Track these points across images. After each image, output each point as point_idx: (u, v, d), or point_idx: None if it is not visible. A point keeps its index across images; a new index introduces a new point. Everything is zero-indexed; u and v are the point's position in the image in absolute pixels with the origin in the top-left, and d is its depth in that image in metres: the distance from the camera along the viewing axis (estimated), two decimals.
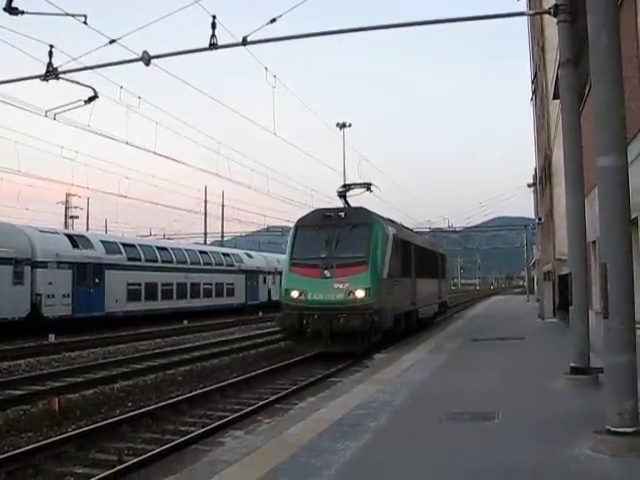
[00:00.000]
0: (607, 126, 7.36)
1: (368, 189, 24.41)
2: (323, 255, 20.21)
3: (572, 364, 11.84)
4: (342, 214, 21.50)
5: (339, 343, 19.51)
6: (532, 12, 27.16)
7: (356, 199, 23.74)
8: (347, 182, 28.77)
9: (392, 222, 25.01)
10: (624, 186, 7.28)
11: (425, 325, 28.56)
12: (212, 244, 65.94)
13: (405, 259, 23.75)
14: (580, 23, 10.27)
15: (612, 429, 6.82)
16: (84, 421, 11.52)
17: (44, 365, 19.31)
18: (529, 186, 45.74)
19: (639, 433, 6.79)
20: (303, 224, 21.60)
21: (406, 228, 30.93)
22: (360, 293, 19.70)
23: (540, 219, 37.39)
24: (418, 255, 26.79)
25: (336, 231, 20.66)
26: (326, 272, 19.98)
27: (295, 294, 20.24)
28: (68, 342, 24.89)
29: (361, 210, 21.93)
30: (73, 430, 10.59)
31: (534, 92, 40.83)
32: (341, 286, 19.81)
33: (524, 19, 38.51)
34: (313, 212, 22.66)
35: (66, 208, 67.28)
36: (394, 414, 9.31)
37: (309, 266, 20.37)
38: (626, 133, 7.75)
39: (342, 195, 23.52)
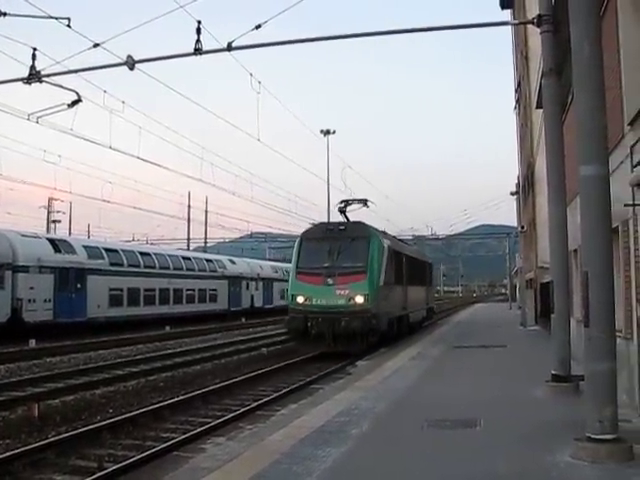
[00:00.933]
0: (589, 135, 7.43)
1: (365, 204, 26.42)
2: (326, 264, 22.25)
3: (553, 372, 11.91)
4: (342, 228, 23.75)
5: (340, 344, 21.34)
6: (516, 22, 27.38)
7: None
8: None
9: (386, 235, 27.39)
10: (605, 195, 7.35)
11: (415, 329, 30.42)
12: (195, 250, 65.69)
13: (398, 268, 25.70)
14: (563, 33, 10.37)
15: (592, 436, 6.86)
16: (64, 427, 11.39)
17: (24, 371, 19.10)
18: (512, 194, 45.97)
19: (618, 440, 6.84)
20: (308, 236, 23.91)
21: (399, 239, 33.66)
22: (359, 299, 21.70)
23: (523, 227, 37.63)
24: (409, 264, 28.84)
25: (337, 243, 22.70)
26: (329, 280, 22.05)
27: (301, 299, 22.34)
28: (49, 347, 24.64)
29: (359, 224, 24.18)
30: (53, 436, 10.47)
31: (518, 101, 41.14)
32: (342, 292, 21.88)
33: (508, 28, 38.84)
34: (316, 226, 25.41)
35: (48, 212, 66.79)
36: (376, 421, 9.31)
37: (313, 274, 22.39)
38: (607, 143, 7.83)
39: (342, 210, 25.59)
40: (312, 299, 22.13)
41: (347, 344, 21.32)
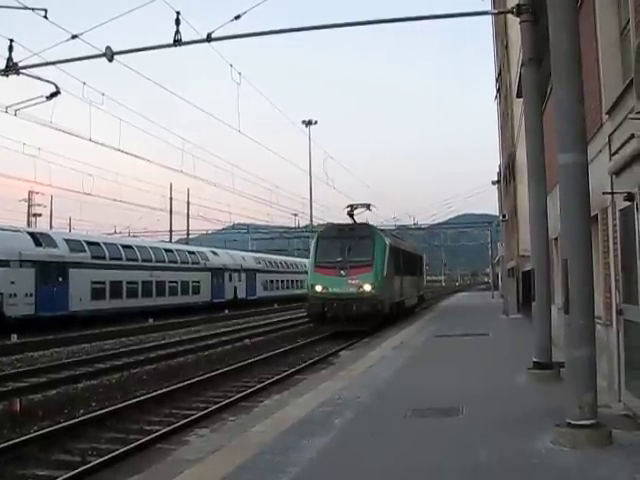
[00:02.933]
0: (568, 124, 7.48)
1: (368, 208, 32.14)
2: (339, 259, 27.14)
3: (535, 359, 12.00)
4: (352, 228, 28.93)
5: (352, 324, 25.68)
6: (495, 11, 27.43)
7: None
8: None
9: (387, 233, 33.48)
10: (584, 183, 7.40)
11: (409, 312, 35.65)
12: (178, 242, 65.45)
13: (396, 261, 30.60)
14: (542, 23, 10.41)
15: (572, 422, 6.94)
16: (47, 422, 11.34)
17: (6, 366, 18.97)
18: (493, 183, 46.11)
19: (598, 425, 6.93)
20: (323, 236, 29.02)
21: (395, 236, 38.66)
22: (367, 287, 26.64)
23: (504, 216, 37.70)
24: (404, 258, 34.07)
25: (348, 241, 27.61)
26: (342, 272, 26.82)
27: (319, 288, 27.12)
28: (31, 342, 24.46)
29: (365, 225, 30.10)
30: (35, 431, 10.42)
31: (498, 90, 41.25)
32: (353, 282, 26.69)
33: (489, 18, 38.87)
34: (329, 227, 30.85)
35: (29, 206, 66.29)
36: (359, 411, 9.35)
37: (329, 267, 27.13)
38: (586, 131, 7.88)
39: (350, 214, 30.67)
40: (328, 288, 26.80)
41: (357, 324, 25.60)
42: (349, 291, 26.60)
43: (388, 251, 28.42)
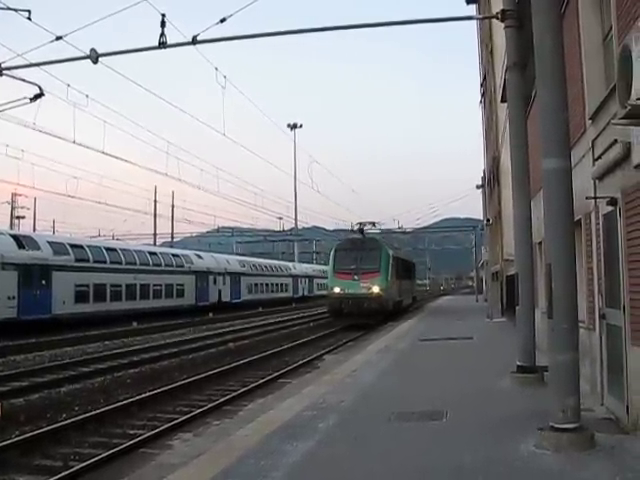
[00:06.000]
0: (552, 129, 7.52)
1: (373, 225, 42.12)
2: (353, 267, 34.15)
3: (518, 363, 12.05)
4: (363, 241, 36.36)
5: (363, 318, 32.57)
6: (480, 16, 27.58)
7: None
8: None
9: (390, 245, 41.77)
10: (568, 188, 7.45)
11: (405, 310, 43.18)
12: (162, 245, 65.17)
13: (397, 268, 37.80)
14: (527, 28, 10.47)
15: (555, 425, 6.97)
16: (28, 427, 11.22)
17: None
18: (478, 188, 46.36)
19: (581, 429, 6.96)
20: (339, 248, 36.68)
21: (396, 248, 46.67)
22: (376, 289, 33.63)
23: (488, 220, 37.92)
24: (402, 265, 42.06)
25: (360, 252, 34.76)
26: (355, 277, 33.86)
27: (337, 290, 34.24)
28: (13, 345, 24.22)
29: (374, 239, 38.37)
30: (17, 436, 10.30)
31: (483, 95, 41.47)
32: (364, 285, 33.58)
33: (474, 23, 39.10)
34: (344, 241, 39.00)
35: (12, 208, 65.73)
36: (343, 415, 9.34)
37: (345, 273, 34.20)
38: (570, 136, 7.93)
39: (360, 230, 38.72)
40: (345, 289, 33.76)
41: (367, 318, 32.50)
42: (361, 292, 33.27)
43: (391, 260, 35.55)
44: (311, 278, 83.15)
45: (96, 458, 9.02)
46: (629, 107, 5.87)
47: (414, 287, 55.20)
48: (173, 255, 48.37)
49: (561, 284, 7.26)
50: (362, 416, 9.35)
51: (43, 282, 31.82)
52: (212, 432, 9.68)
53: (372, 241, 37.00)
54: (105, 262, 37.66)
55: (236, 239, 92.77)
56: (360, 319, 32.41)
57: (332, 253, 36.55)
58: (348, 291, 33.63)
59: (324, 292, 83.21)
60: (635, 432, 7.21)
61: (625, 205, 7.48)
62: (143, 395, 13.88)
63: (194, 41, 13.95)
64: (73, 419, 11.47)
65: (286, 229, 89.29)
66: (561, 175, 7.41)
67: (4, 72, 15.00)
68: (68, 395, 14.37)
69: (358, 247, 35.38)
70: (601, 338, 9.00)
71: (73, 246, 35.70)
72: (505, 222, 30.36)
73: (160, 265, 44.18)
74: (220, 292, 52.58)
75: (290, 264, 78.50)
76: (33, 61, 15.31)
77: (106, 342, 26.69)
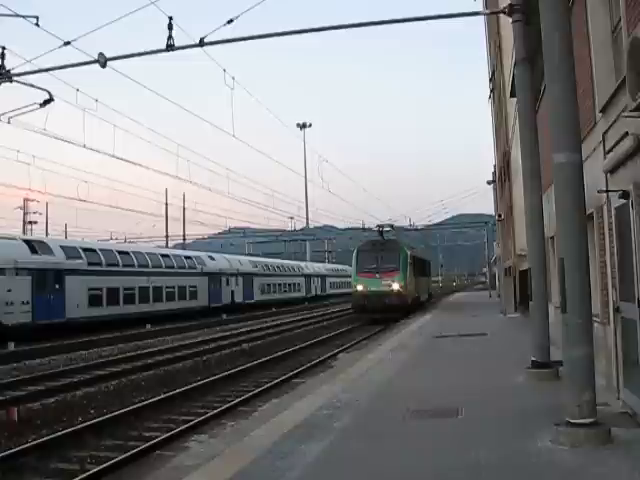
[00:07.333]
0: (562, 123, 7.48)
1: (392, 228, 45.04)
2: (374, 266, 37.04)
3: (533, 358, 12.00)
4: (383, 243, 39.48)
5: (385, 313, 35.04)
6: (487, 12, 27.40)
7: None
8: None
9: (408, 245, 44.03)
10: (579, 182, 7.40)
11: (422, 305, 45.76)
12: (174, 247, 65.32)
13: (415, 267, 41.00)
14: (535, 22, 10.41)
15: (571, 421, 6.94)
16: (45, 430, 11.30)
17: (4, 374, 18.87)
18: (489, 183, 46.20)
19: (597, 424, 6.92)
20: (362, 249, 39.14)
21: (413, 247, 48.38)
22: (396, 286, 36.68)
23: (500, 216, 37.77)
24: (419, 264, 45.30)
25: (381, 253, 37.65)
26: (377, 275, 36.85)
27: (361, 287, 37.11)
28: (28, 350, 24.39)
29: (393, 240, 41.31)
30: (33, 440, 10.37)
31: (492, 90, 41.26)
32: (385, 282, 36.56)
33: (482, 18, 38.89)
34: (365, 242, 41.17)
35: (24, 214, 66.14)
36: (358, 413, 9.33)
37: (368, 272, 37.06)
38: (580, 130, 7.89)
39: (380, 232, 41.93)
40: (368, 287, 36.61)
41: (389, 313, 34.97)
42: (382, 289, 36.21)
43: (409, 259, 38.60)
44: (324, 277, 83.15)
45: (113, 461, 9.06)
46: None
47: (430, 284, 59.14)
48: (185, 257, 48.48)
49: (574, 278, 7.22)
50: (377, 415, 9.34)
51: (57, 286, 31.99)
52: (227, 433, 9.69)
53: (392, 242, 40.16)
54: (118, 265, 37.80)
55: (248, 240, 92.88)
56: (382, 314, 34.84)
57: (355, 254, 39.09)
58: (371, 289, 36.33)
59: (337, 291, 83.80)
60: None
61: (637, 197, 7.41)
62: (158, 397, 13.92)
63: (202, 43, 13.97)
64: (89, 422, 11.53)
65: (297, 229, 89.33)
66: (572, 169, 7.36)
67: (14, 78, 15.09)
68: (83, 398, 14.43)
69: (379, 248, 38.26)
70: (616, 332, 8.94)
71: (85, 250, 35.86)
72: (517, 217, 30.24)
73: (173, 267, 44.30)
74: (233, 293, 52.66)
75: (302, 263, 78.51)
76: (42, 66, 15.40)
77: (120, 345, 26.82)
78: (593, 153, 9.64)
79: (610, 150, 8.63)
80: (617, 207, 8.46)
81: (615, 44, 8.85)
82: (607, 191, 8.79)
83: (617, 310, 8.78)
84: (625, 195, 7.87)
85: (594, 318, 8.15)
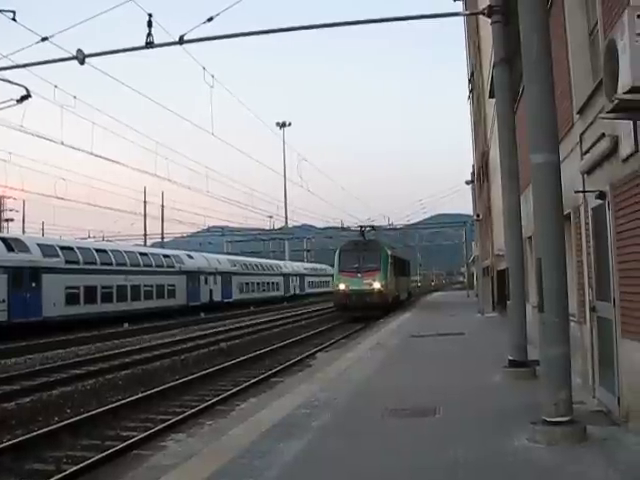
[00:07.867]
0: (540, 124, 7.54)
1: (373, 229, 48.33)
2: (356, 265, 37.98)
3: (510, 357, 12.09)
4: (365, 243, 40.92)
5: (366, 311, 35.87)
6: (467, 12, 27.59)
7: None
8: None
9: (388, 246, 45.48)
10: (557, 182, 7.47)
11: (402, 304, 46.48)
12: (152, 246, 64.96)
13: (395, 266, 42.14)
14: (514, 24, 10.47)
15: (548, 419, 6.99)
16: (20, 430, 11.17)
17: None
18: (467, 183, 46.38)
19: (573, 422, 6.99)
20: (344, 249, 40.32)
21: (393, 247, 50.88)
22: (377, 285, 37.62)
23: (478, 216, 37.98)
24: (399, 263, 46.55)
25: (362, 253, 38.65)
26: (359, 274, 37.73)
27: (343, 286, 37.84)
28: (4, 349, 24.10)
29: (374, 240, 43.24)
30: (8, 440, 10.24)
31: (471, 90, 41.48)
32: (367, 282, 37.47)
33: (461, 19, 39.07)
34: (347, 242, 42.77)
35: (0, 211, 65.42)
36: (336, 412, 9.34)
37: (350, 271, 38.10)
38: (558, 131, 7.95)
39: (362, 233, 44.33)
40: (349, 286, 37.43)
41: (370, 312, 35.63)
42: (364, 288, 37.06)
43: (390, 259, 39.96)
44: (302, 276, 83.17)
45: (89, 461, 8.98)
46: (616, 101, 5.89)
47: (409, 284, 61.84)
48: (164, 255, 48.25)
49: (551, 278, 7.27)
50: (356, 413, 9.36)
51: (33, 285, 31.67)
52: (205, 432, 9.65)
53: (373, 242, 41.73)
54: (95, 264, 37.51)
55: (226, 238, 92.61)
56: (363, 312, 35.70)
57: (337, 253, 40.23)
58: (352, 287, 37.29)
59: (316, 290, 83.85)
60: (627, 424, 7.24)
61: (614, 198, 7.50)
62: (135, 396, 13.84)
63: (181, 41, 13.91)
64: (66, 422, 11.42)
65: (276, 228, 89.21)
66: (550, 169, 7.42)
67: None
68: (60, 398, 14.29)
69: (361, 248, 39.53)
70: (592, 331, 9.03)
71: (63, 248, 35.54)
72: (495, 217, 30.44)
73: (151, 266, 44.05)
74: (211, 292, 52.53)
75: (281, 263, 78.47)
76: (19, 62, 15.22)
77: (97, 344, 26.59)
78: (570, 154, 9.73)
79: (587, 151, 8.71)
80: (594, 207, 8.55)
81: (592, 46, 8.94)
82: (584, 192, 8.87)
83: (593, 309, 8.87)
84: (602, 196, 7.95)
85: (571, 317, 8.22)
